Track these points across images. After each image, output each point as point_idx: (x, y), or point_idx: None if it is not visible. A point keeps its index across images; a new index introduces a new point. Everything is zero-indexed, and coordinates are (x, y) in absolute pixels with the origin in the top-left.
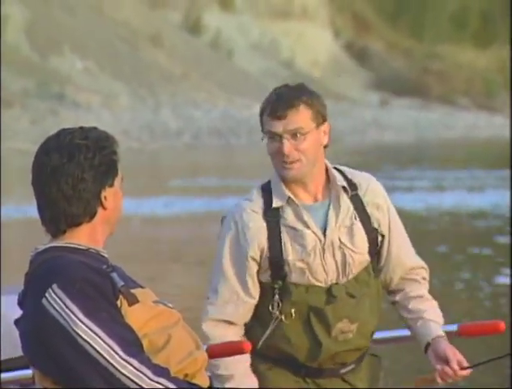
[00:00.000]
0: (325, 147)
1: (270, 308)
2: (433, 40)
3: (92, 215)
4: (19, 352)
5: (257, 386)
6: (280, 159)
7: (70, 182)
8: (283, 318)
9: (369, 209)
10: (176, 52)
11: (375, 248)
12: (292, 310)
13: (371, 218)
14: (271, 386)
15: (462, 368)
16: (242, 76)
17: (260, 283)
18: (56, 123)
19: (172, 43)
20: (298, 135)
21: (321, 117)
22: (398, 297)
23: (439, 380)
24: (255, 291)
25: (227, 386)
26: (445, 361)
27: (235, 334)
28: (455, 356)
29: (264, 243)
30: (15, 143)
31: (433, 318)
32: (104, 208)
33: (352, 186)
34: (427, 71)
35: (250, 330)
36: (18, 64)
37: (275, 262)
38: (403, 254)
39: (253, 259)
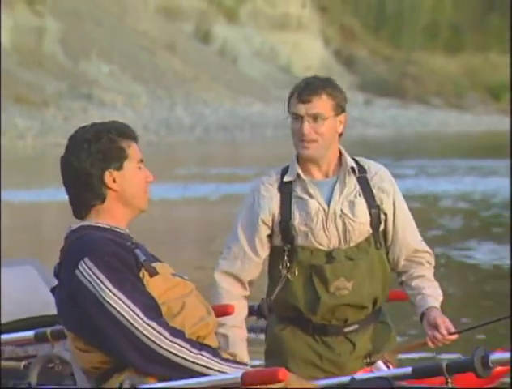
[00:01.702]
0: (340, 134)
1: (280, 267)
2: (409, 48)
3: (103, 198)
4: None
5: (244, 354)
6: (300, 138)
7: (73, 173)
8: (289, 276)
9: (374, 190)
10: (188, 58)
11: (377, 222)
12: (296, 269)
13: (375, 197)
14: (285, 346)
15: (450, 333)
16: (245, 79)
17: (273, 247)
18: (85, 120)
19: (185, 50)
20: (318, 119)
21: (340, 108)
22: (404, 277)
23: (430, 344)
24: (262, 250)
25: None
26: (436, 327)
27: (239, 293)
28: (444, 323)
29: (276, 210)
30: (51, 138)
31: (430, 294)
32: (113, 190)
33: (360, 169)
34: (404, 75)
35: (268, 289)
36: (53, 69)
37: (284, 226)
38: (408, 236)
39: (264, 223)
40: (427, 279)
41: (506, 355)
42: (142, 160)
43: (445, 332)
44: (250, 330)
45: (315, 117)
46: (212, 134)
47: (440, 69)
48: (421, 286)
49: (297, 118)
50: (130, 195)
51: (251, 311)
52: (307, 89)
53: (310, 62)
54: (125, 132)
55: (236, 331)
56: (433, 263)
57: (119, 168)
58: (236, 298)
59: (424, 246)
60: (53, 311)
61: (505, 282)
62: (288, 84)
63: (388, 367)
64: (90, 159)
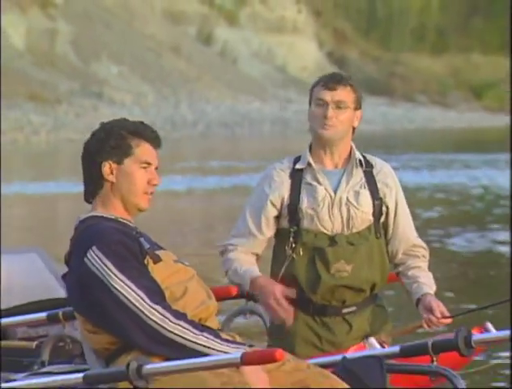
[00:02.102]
0: (353, 130)
1: (285, 248)
2: (397, 49)
3: (101, 186)
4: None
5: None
6: (322, 120)
7: (84, 159)
8: (294, 256)
9: (378, 184)
10: (192, 59)
11: (379, 213)
12: (301, 249)
13: (379, 190)
14: (286, 327)
15: (444, 316)
16: (245, 78)
17: (280, 229)
18: (96, 117)
19: (189, 52)
20: (341, 107)
21: (359, 104)
22: (401, 268)
23: (425, 326)
24: (267, 229)
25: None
26: (431, 311)
27: (247, 258)
28: (439, 307)
29: (286, 194)
30: (64, 133)
31: (425, 282)
32: (110, 181)
33: (367, 164)
34: (392, 75)
35: (272, 269)
36: (65, 69)
37: (292, 209)
38: (407, 231)
39: (273, 204)
40: (422, 269)
41: (487, 335)
42: (149, 163)
43: (439, 315)
44: (240, 312)
45: (338, 105)
46: (214, 130)
47: (426, 69)
48: (417, 275)
49: (321, 104)
50: (126, 190)
51: (241, 294)
52: (334, 78)
53: (305, 63)
54: (139, 132)
55: (247, 258)
56: (428, 257)
57: (119, 162)
58: (247, 261)
59: (421, 242)
60: (56, 295)
61: (486, 268)
62: (284, 83)
63: (383, 347)
64: (97, 148)
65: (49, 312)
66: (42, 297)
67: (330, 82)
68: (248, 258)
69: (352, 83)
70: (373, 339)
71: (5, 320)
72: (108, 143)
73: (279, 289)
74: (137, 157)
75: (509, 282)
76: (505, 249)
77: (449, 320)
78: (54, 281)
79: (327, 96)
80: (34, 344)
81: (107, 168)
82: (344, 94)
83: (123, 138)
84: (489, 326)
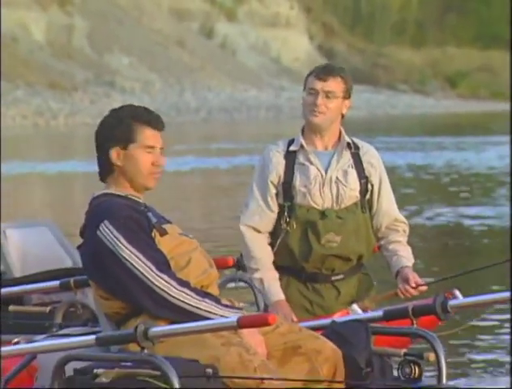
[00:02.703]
0: (342, 116)
1: (280, 222)
2: (380, 43)
3: (110, 170)
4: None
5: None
6: (312, 108)
7: (97, 142)
8: (288, 229)
9: (364, 164)
10: (195, 51)
11: (365, 191)
12: (294, 223)
13: (365, 170)
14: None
15: (418, 285)
16: (243, 69)
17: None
18: (108, 103)
19: (193, 45)
20: (330, 96)
21: (347, 94)
22: (383, 242)
23: (400, 295)
24: (274, 206)
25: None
26: (407, 281)
27: (262, 241)
28: (414, 278)
29: (281, 173)
30: (79, 118)
31: (404, 256)
32: (117, 165)
33: (355, 147)
34: (376, 65)
35: (270, 242)
36: (81, 60)
37: (286, 187)
38: (390, 207)
39: (273, 184)
40: (402, 244)
41: (462, 300)
42: (153, 147)
43: (413, 285)
44: (231, 280)
45: (328, 94)
46: (214, 115)
47: (406, 60)
48: (397, 249)
49: (313, 93)
50: (133, 173)
51: (234, 263)
52: (325, 70)
53: (297, 55)
54: (143, 118)
55: (269, 273)
56: (407, 231)
57: (125, 147)
58: (262, 246)
59: (402, 217)
60: (64, 265)
61: (464, 238)
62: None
63: (364, 311)
64: (105, 135)
65: (61, 280)
66: (52, 267)
67: (322, 73)
68: (266, 260)
69: (343, 75)
70: (355, 306)
71: (21, 287)
72: (115, 131)
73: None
74: (141, 142)
75: (481, 252)
76: (472, 222)
77: (423, 288)
78: (63, 252)
79: (318, 85)
80: (48, 309)
81: (114, 153)
82: (334, 85)
83: (127, 125)
84: (457, 293)
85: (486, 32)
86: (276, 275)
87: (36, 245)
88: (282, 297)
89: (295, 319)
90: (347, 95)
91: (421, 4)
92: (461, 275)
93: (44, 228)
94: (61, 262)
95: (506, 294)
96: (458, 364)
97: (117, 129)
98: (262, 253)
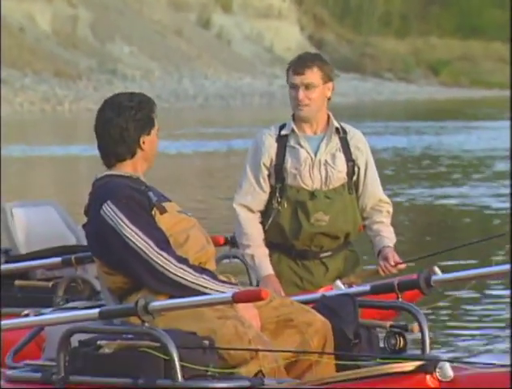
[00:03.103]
0: (328, 99)
1: (272, 202)
2: (367, 33)
3: (133, 154)
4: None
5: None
6: (296, 102)
7: (117, 131)
8: (280, 208)
9: (351, 148)
10: (192, 41)
11: (352, 173)
12: (285, 203)
13: (352, 154)
14: (273, 269)
15: (397, 263)
16: (238, 58)
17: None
18: (111, 90)
19: (190, 35)
20: (310, 87)
21: (327, 78)
22: (367, 222)
23: (381, 273)
24: (266, 187)
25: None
26: (387, 259)
27: (254, 220)
28: (394, 257)
29: (273, 156)
30: (84, 104)
31: (386, 236)
32: (142, 150)
33: (343, 131)
34: (363, 55)
35: (261, 219)
36: (85, 49)
37: (278, 168)
38: (375, 189)
39: (265, 165)
40: (385, 225)
41: (445, 276)
42: (158, 130)
43: (392, 263)
44: (225, 257)
45: (307, 86)
46: (211, 102)
47: (391, 50)
48: (380, 230)
49: (294, 87)
50: (151, 155)
51: (225, 241)
52: (300, 63)
53: (289, 44)
54: (155, 105)
55: (260, 250)
56: (391, 212)
57: (149, 133)
58: (253, 224)
59: (386, 198)
60: (68, 243)
61: (434, 218)
62: (271, 62)
63: (349, 287)
64: (134, 123)
65: (63, 257)
66: (57, 244)
67: (298, 67)
68: (258, 237)
69: (318, 63)
70: (338, 282)
71: (25, 263)
72: (142, 119)
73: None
74: (155, 127)
75: (457, 230)
76: (450, 202)
77: (402, 266)
78: (67, 231)
79: (297, 80)
80: (50, 283)
81: (142, 140)
82: (311, 76)
83: (150, 112)
84: (436, 269)
85: (466, 23)
86: (266, 251)
87: (42, 224)
88: (272, 272)
89: (283, 294)
90: (327, 79)
91: None
92: (486, 240)
93: (49, 208)
94: (65, 240)
95: (485, 270)
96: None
97: (146, 117)
98: (253, 230)
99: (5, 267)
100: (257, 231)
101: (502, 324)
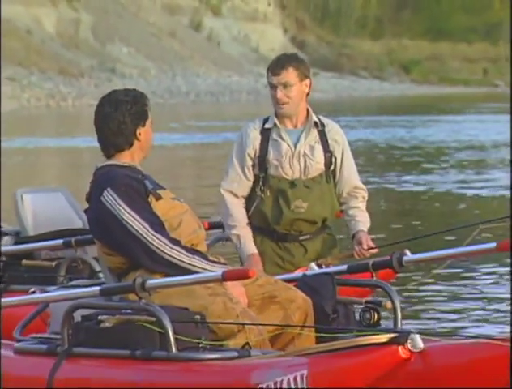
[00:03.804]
0: (307, 94)
1: (256, 190)
2: (344, 35)
3: (131, 145)
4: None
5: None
6: (276, 101)
7: (116, 124)
8: (262, 196)
9: (329, 141)
10: (185, 42)
11: (329, 163)
12: (268, 191)
13: (329, 145)
14: (257, 250)
15: (370, 248)
16: (226, 58)
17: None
18: (110, 87)
19: (183, 37)
20: (287, 86)
21: (303, 76)
22: (344, 207)
23: (356, 255)
24: (250, 175)
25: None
26: (360, 244)
27: (239, 204)
28: (367, 241)
29: (257, 147)
30: (85, 100)
31: (361, 220)
32: (139, 140)
33: (321, 124)
34: (341, 55)
35: (246, 205)
36: (86, 50)
37: (261, 159)
38: (351, 176)
39: (249, 156)
40: (360, 210)
41: (416, 256)
42: (152, 122)
43: (365, 247)
44: (218, 239)
45: (285, 85)
46: (202, 98)
47: (367, 50)
48: (355, 214)
49: (273, 87)
50: (147, 145)
51: (218, 225)
52: (277, 64)
53: (273, 46)
54: (147, 99)
55: (245, 230)
56: (366, 197)
57: (144, 125)
58: (238, 208)
59: (362, 185)
60: (75, 226)
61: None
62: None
63: (321, 267)
64: (130, 116)
65: (64, 239)
66: (64, 228)
67: (275, 68)
68: (244, 223)
69: (294, 63)
70: (313, 264)
71: (30, 245)
72: (137, 112)
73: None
74: (149, 119)
75: (425, 215)
76: (418, 188)
77: (374, 250)
78: (75, 215)
79: (274, 80)
80: (54, 263)
81: (138, 131)
82: (287, 75)
83: (144, 105)
84: (407, 252)
85: (435, 26)
86: (250, 232)
87: (50, 209)
88: (255, 251)
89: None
90: (303, 76)
91: (380, 2)
92: (492, 222)
93: (59, 194)
94: (72, 224)
95: (454, 251)
96: (420, 311)
97: (141, 110)
98: (238, 213)
99: (10, 247)
100: (241, 214)
101: (477, 301)
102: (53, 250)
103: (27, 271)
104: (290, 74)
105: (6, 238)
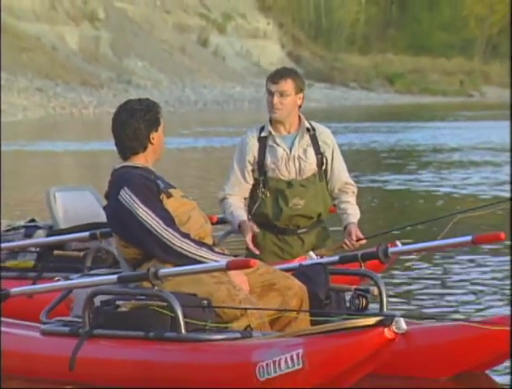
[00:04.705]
0: (299, 106)
1: (257, 191)
2: (336, 50)
3: (145, 149)
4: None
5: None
6: (272, 106)
7: (132, 130)
8: (263, 197)
9: (320, 143)
10: (194, 57)
11: (321, 164)
12: (268, 192)
13: (320, 148)
14: (259, 243)
15: (359, 239)
16: (231, 71)
17: (254, 179)
18: (127, 97)
19: (192, 52)
20: (283, 95)
21: (299, 89)
22: (336, 201)
23: (345, 247)
24: (250, 179)
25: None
26: (350, 235)
27: (240, 202)
28: (356, 232)
29: (256, 154)
30: (105, 108)
31: (351, 213)
32: (152, 144)
33: (313, 129)
34: (333, 68)
35: (248, 206)
36: (106, 63)
37: (260, 164)
38: (341, 174)
39: (249, 162)
40: (351, 204)
41: (399, 248)
42: (164, 127)
43: (354, 238)
44: (229, 233)
45: (282, 93)
46: (209, 107)
47: (356, 64)
48: (346, 208)
49: (270, 93)
50: (159, 149)
51: (218, 220)
52: (277, 75)
53: (272, 60)
54: (159, 107)
55: (239, 209)
56: (356, 192)
57: (157, 130)
58: (238, 202)
59: (351, 181)
60: (102, 220)
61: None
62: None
63: (321, 257)
64: (144, 123)
65: (90, 232)
66: (92, 221)
67: (275, 77)
68: (239, 204)
69: (292, 76)
70: (312, 253)
71: (60, 237)
72: (151, 119)
73: (250, 233)
74: (162, 125)
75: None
76: (402, 187)
77: (363, 242)
78: (101, 211)
79: (273, 88)
80: (81, 253)
81: (151, 136)
82: (285, 85)
83: (157, 113)
84: (398, 243)
85: (417, 43)
86: (244, 212)
87: (79, 205)
88: (245, 218)
89: (256, 230)
90: (299, 90)
91: (367, 21)
92: (489, 206)
93: (87, 192)
94: (98, 218)
95: (433, 243)
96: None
97: (154, 117)
98: (237, 203)
99: (43, 239)
100: (238, 202)
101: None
102: (80, 242)
103: (58, 261)
104: (288, 85)
105: (39, 231)
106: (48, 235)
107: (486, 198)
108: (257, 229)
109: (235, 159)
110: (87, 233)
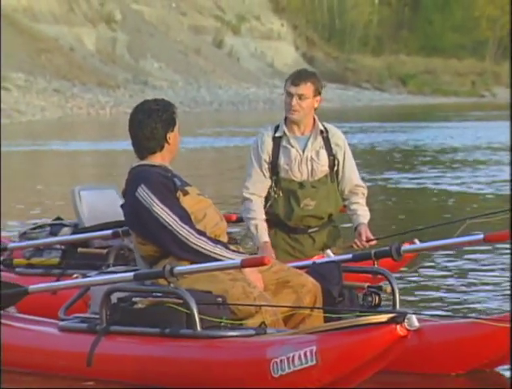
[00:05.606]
0: (315, 109)
1: (270, 191)
2: (349, 52)
3: (162, 148)
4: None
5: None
6: (290, 107)
7: (149, 130)
8: (275, 196)
9: (332, 145)
10: (209, 58)
11: (332, 165)
12: (280, 192)
13: (332, 149)
14: (271, 241)
15: (369, 240)
16: (245, 72)
17: None
18: (143, 97)
19: (207, 53)
20: (302, 98)
21: (317, 93)
22: (346, 202)
23: (355, 246)
24: (268, 177)
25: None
26: (360, 236)
27: (260, 202)
28: (366, 233)
29: (270, 153)
30: (122, 109)
31: (361, 214)
32: (169, 144)
33: (325, 131)
34: (346, 69)
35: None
36: (122, 65)
37: (273, 164)
38: (352, 175)
39: (265, 160)
40: (361, 204)
41: (411, 246)
42: (180, 127)
43: (364, 238)
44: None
45: (301, 96)
46: (224, 107)
47: (369, 65)
48: (356, 209)
49: (289, 95)
50: (175, 148)
51: (237, 219)
52: (298, 77)
53: (286, 61)
54: (175, 108)
55: (262, 223)
56: (366, 194)
57: (173, 130)
58: (258, 205)
59: (362, 183)
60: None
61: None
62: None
63: (335, 255)
64: (161, 123)
65: (113, 230)
66: (115, 220)
67: (296, 79)
68: (260, 213)
69: (312, 80)
70: (329, 251)
71: (84, 235)
72: (167, 119)
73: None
74: (177, 125)
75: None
76: (416, 186)
77: (372, 242)
78: None
79: (293, 89)
80: (105, 251)
81: (168, 136)
82: (305, 88)
83: (173, 113)
84: (417, 241)
85: (429, 44)
86: (265, 224)
87: (103, 204)
88: (268, 240)
89: (274, 257)
90: (317, 93)
91: (380, 23)
92: (491, 214)
93: (110, 191)
94: (121, 217)
95: (446, 241)
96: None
97: (170, 117)
98: (258, 208)
99: (66, 237)
100: (260, 209)
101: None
102: (104, 240)
103: (82, 258)
104: (308, 88)
105: (65, 229)
106: (72, 233)
107: (493, 198)
108: (272, 254)
109: (253, 157)
110: (109, 231)
